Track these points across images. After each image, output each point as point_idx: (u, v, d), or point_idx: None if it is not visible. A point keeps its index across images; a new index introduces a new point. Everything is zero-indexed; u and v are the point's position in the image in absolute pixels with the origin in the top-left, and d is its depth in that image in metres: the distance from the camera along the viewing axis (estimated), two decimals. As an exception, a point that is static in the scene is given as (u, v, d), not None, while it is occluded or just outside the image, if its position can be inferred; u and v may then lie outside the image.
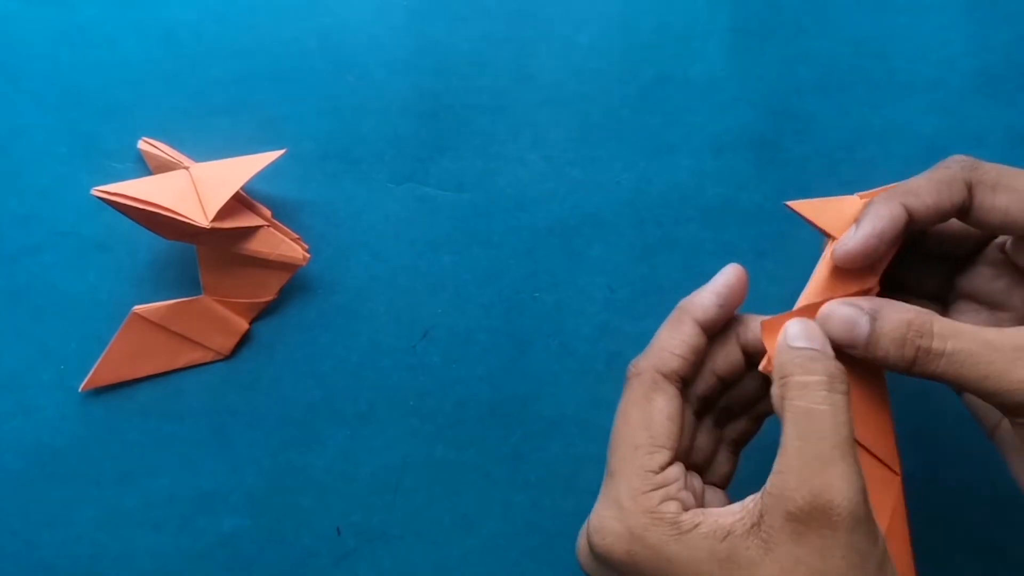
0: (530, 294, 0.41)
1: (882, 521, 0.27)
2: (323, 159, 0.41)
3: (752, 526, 0.24)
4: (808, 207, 0.29)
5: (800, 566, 0.23)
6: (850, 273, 0.29)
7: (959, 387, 0.26)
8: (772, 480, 0.25)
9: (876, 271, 0.29)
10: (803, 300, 0.29)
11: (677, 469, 0.27)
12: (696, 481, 0.29)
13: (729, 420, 0.32)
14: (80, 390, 0.39)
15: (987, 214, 0.28)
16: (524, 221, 0.41)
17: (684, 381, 0.28)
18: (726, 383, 0.30)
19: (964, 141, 0.41)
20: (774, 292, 0.40)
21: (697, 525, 0.25)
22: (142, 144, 0.40)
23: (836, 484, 0.23)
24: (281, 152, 0.39)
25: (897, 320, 0.26)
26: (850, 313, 0.27)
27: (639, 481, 0.26)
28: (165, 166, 0.39)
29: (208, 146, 0.40)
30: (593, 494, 0.39)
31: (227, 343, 0.40)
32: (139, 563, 0.39)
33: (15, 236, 0.40)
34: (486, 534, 0.39)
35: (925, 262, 0.33)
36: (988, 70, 0.42)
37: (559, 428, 0.40)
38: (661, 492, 0.26)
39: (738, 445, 0.32)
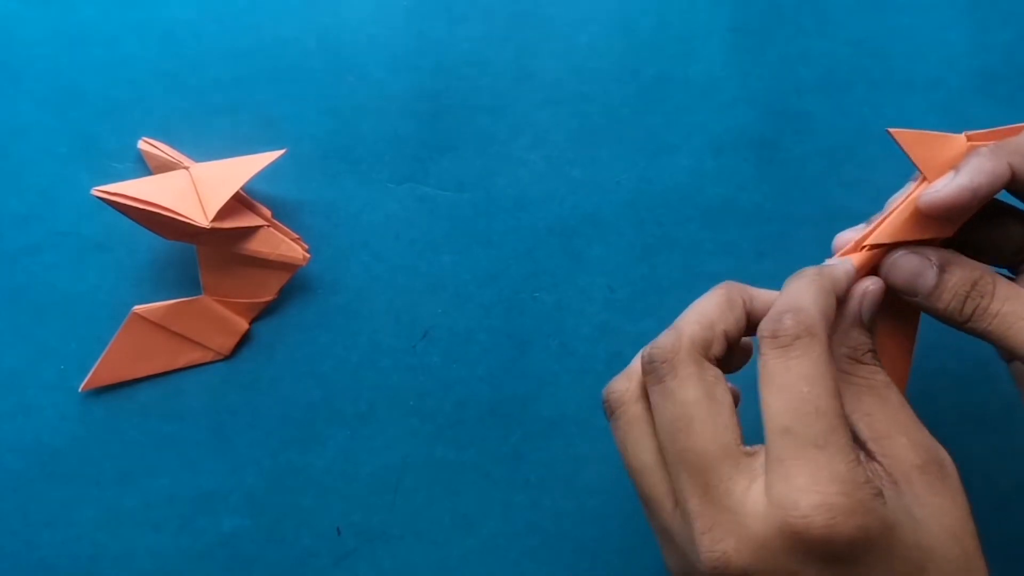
0: (530, 294, 0.41)
1: None
2: (323, 159, 0.41)
3: (893, 487, 0.24)
4: (908, 138, 0.28)
5: (945, 516, 0.24)
6: (931, 219, 0.28)
7: (1004, 347, 0.27)
8: (879, 443, 0.25)
9: (956, 223, 0.28)
10: (877, 235, 0.28)
11: None
12: None
13: None
14: (80, 390, 0.39)
15: None
16: (524, 221, 0.41)
17: None
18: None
19: (964, 141, 0.41)
20: (774, 292, 0.40)
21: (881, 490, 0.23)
22: (142, 144, 0.40)
23: (936, 443, 0.25)
24: (281, 152, 0.39)
25: (964, 277, 0.27)
26: (918, 264, 0.28)
27: (852, 452, 0.23)
28: (165, 166, 0.39)
29: (208, 146, 0.40)
30: (593, 493, 0.40)
31: (227, 343, 0.40)
32: (139, 563, 0.39)
33: (15, 236, 0.40)
34: (486, 534, 0.39)
35: (1004, 221, 0.31)
36: (988, 70, 0.42)
37: (559, 428, 0.40)
38: (863, 463, 0.24)
39: None
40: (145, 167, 0.40)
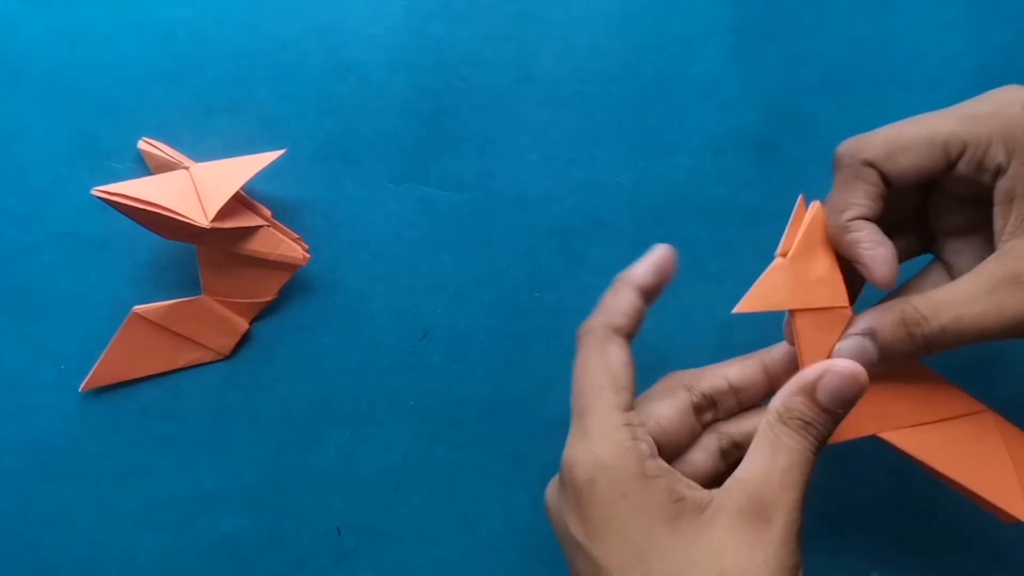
0: (530, 294, 0.41)
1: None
2: (323, 159, 0.41)
3: (700, 507, 0.27)
4: (756, 304, 0.29)
5: (727, 554, 0.26)
6: (823, 319, 0.29)
7: (973, 340, 0.28)
8: (733, 482, 0.27)
9: (843, 295, 0.29)
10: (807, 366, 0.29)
11: (640, 416, 0.29)
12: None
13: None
14: (80, 390, 0.39)
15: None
16: (524, 221, 0.41)
17: (628, 336, 0.31)
18: (739, 398, 0.32)
19: (964, 141, 0.41)
20: (774, 292, 0.40)
21: (659, 477, 0.27)
22: (142, 144, 0.40)
23: (785, 507, 0.26)
24: (281, 152, 0.39)
25: (890, 323, 0.28)
26: (853, 345, 0.28)
27: (608, 416, 0.28)
28: (165, 166, 0.40)
29: (208, 146, 0.40)
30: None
31: (227, 343, 0.40)
32: (139, 563, 0.39)
33: (15, 236, 0.40)
34: (486, 534, 0.39)
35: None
36: (988, 70, 0.42)
37: (559, 428, 0.39)
38: (630, 430, 0.28)
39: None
40: (145, 167, 0.40)
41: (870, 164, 0.29)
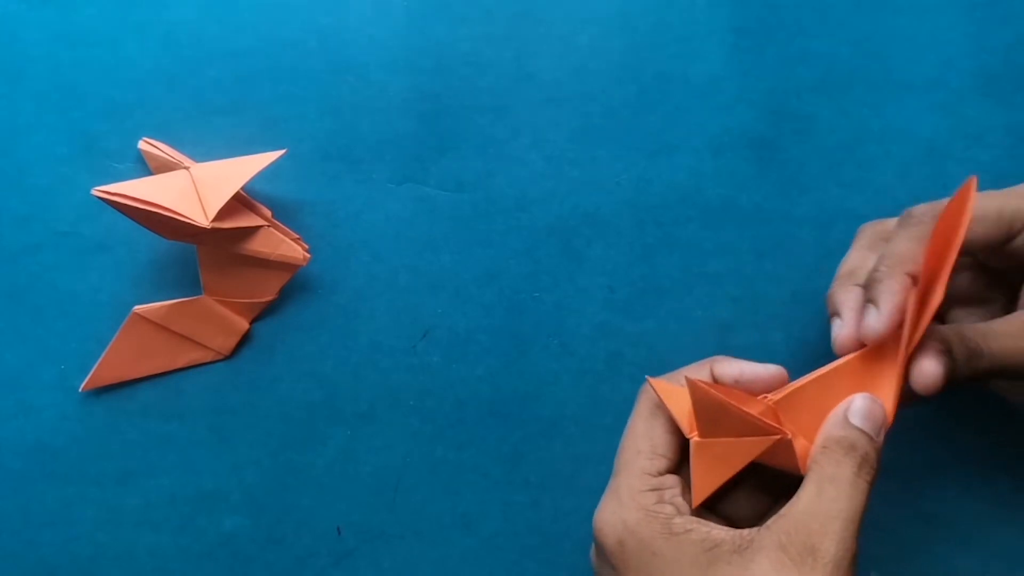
0: (530, 294, 0.41)
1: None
2: (323, 159, 0.41)
3: (740, 547, 0.27)
4: (707, 488, 0.29)
5: None
6: (775, 451, 0.29)
7: (1007, 377, 0.30)
8: (775, 519, 0.27)
9: (769, 426, 0.29)
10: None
11: (674, 479, 0.29)
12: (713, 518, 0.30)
13: None
14: (80, 390, 0.39)
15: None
16: (524, 221, 0.41)
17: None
18: None
19: (964, 141, 0.41)
20: (774, 292, 0.40)
21: (689, 531, 0.27)
22: (142, 144, 0.40)
23: (832, 536, 0.26)
24: (281, 152, 0.39)
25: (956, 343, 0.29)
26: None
27: (638, 481, 0.29)
28: (165, 166, 0.40)
29: (208, 146, 0.40)
30: (593, 493, 0.39)
31: (227, 343, 0.40)
32: (139, 563, 0.39)
33: (15, 236, 0.40)
34: (486, 534, 0.39)
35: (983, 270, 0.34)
36: (988, 70, 0.42)
37: (559, 428, 0.40)
38: (657, 494, 0.29)
39: None
40: (145, 167, 0.40)
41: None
